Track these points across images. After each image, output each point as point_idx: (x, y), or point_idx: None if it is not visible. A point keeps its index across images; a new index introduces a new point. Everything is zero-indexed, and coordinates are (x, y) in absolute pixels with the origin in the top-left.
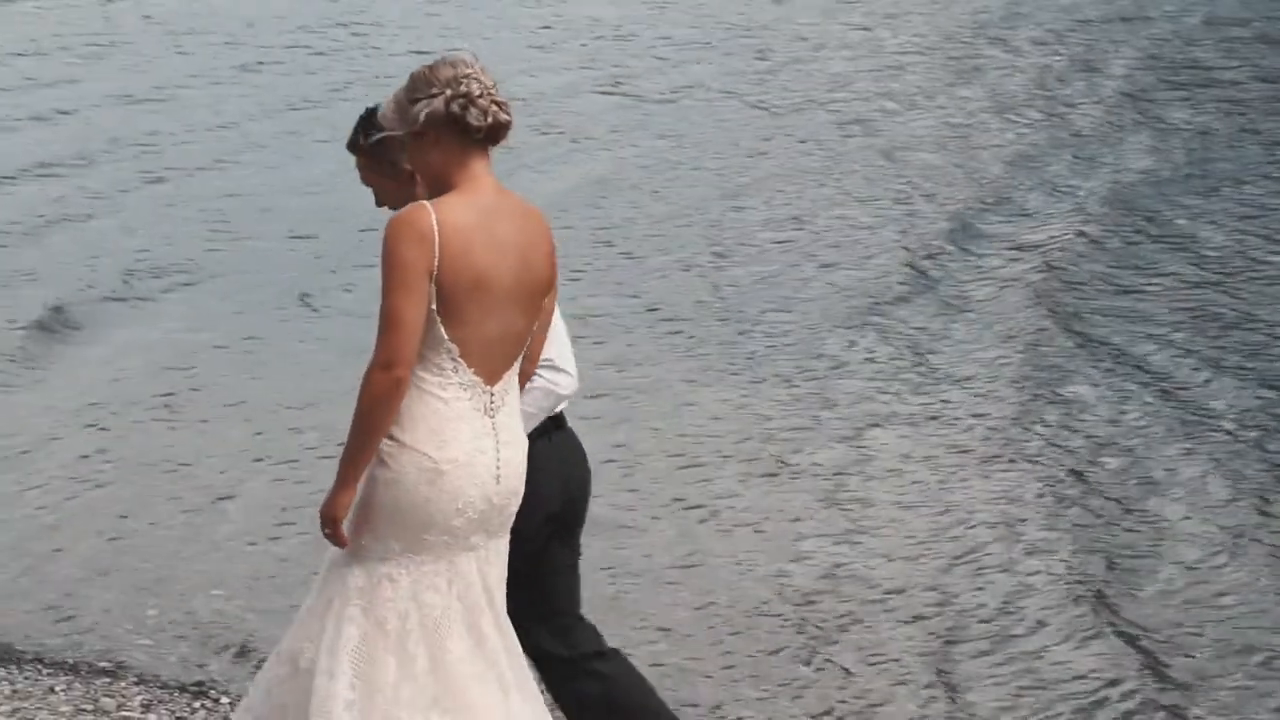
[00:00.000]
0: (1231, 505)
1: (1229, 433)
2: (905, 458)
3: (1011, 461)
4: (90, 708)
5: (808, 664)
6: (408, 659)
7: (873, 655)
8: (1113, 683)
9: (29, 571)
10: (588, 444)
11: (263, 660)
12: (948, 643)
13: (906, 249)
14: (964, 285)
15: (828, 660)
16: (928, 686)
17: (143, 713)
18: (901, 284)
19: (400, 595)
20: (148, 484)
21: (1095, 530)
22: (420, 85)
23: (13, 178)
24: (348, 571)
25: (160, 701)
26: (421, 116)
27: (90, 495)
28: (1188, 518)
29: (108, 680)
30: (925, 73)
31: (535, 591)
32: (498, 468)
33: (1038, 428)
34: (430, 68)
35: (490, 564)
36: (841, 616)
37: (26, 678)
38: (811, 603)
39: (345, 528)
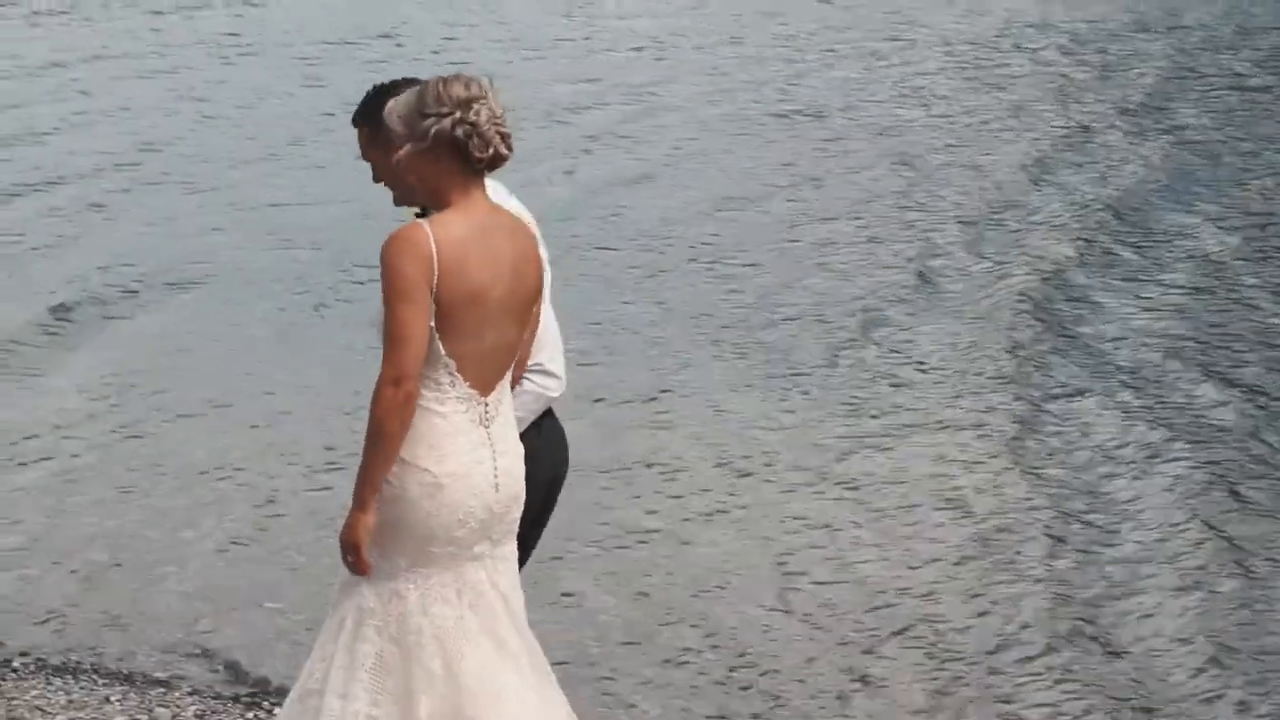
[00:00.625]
0: (1232, 516)
1: (1236, 446)
2: (903, 467)
3: (1009, 470)
4: (145, 718)
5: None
6: (425, 672)
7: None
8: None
9: (83, 581)
10: (623, 449)
11: None
12: (943, 662)
13: (917, 255)
14: (972, 292)
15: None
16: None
17: None
18: (910, 290)
19: (410, 610)
20: (199, 492)
21: (1094, 547)
22: (432, 101)
23: (57, 180)
24: (357, 591)
25: (214, 712)
26: (430, 134)
27: (142, 504)
28: (1186, 528)
29: (162, 690)
30: (948, 80)
31: None
32: (496, 476)
33: (1041, 439)
34: (445, 83)
35: (499, 572)
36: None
37: (82, 687)
38: (824, 606)
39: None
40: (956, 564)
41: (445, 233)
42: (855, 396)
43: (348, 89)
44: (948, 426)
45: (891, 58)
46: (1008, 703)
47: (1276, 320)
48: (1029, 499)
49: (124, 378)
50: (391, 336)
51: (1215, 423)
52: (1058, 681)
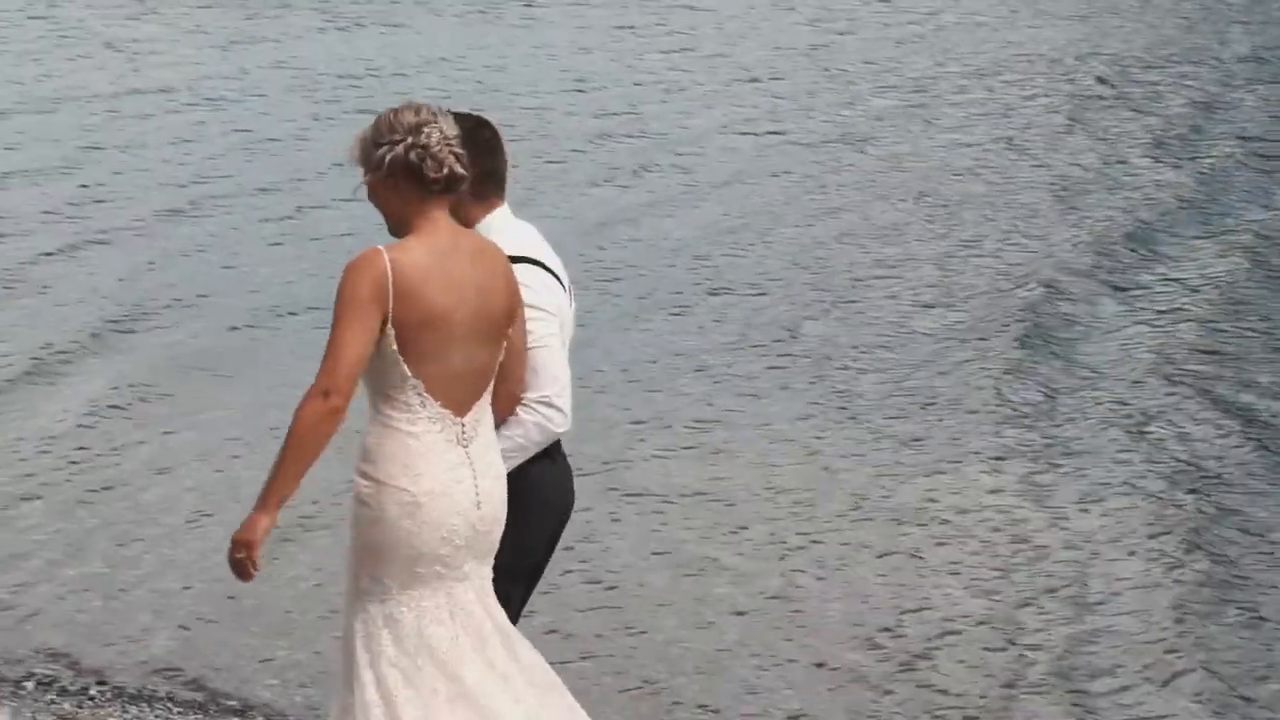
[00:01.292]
0: None
1: None
2: (991, 494)
3: (1100, 501)
4: None
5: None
6: (430, 694)
7: (939, 690)
8: None
9: (158, 609)
10: (685, 480)
11: None
12: (1008, 684)
13: (1003, 290)
14: (1061, 327)
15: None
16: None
17: None
18: (997, 325)
19: (406, 634)
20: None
21: (1177, 575)
22: (384, 130)
23: (141, 220)
24: (356, 620)
25: None
26: (385, 162)
27: (218, 531)
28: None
29: (235, 718)
30: (1040, 117)
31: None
32: (477, 494)
33: (1131, 468)
34: (395, 113)
35: (486, 591)
36: (921, 649)
37: (158, 715)
38: (889, 631)
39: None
40: (994, 597)
41: (404, 257)
42: (897, 426)
43: None
44: (990, 457)
45: (979, 91)
46: None
47: None
48: (1116, 530)
49: (216, 412)
50: (329, 351)
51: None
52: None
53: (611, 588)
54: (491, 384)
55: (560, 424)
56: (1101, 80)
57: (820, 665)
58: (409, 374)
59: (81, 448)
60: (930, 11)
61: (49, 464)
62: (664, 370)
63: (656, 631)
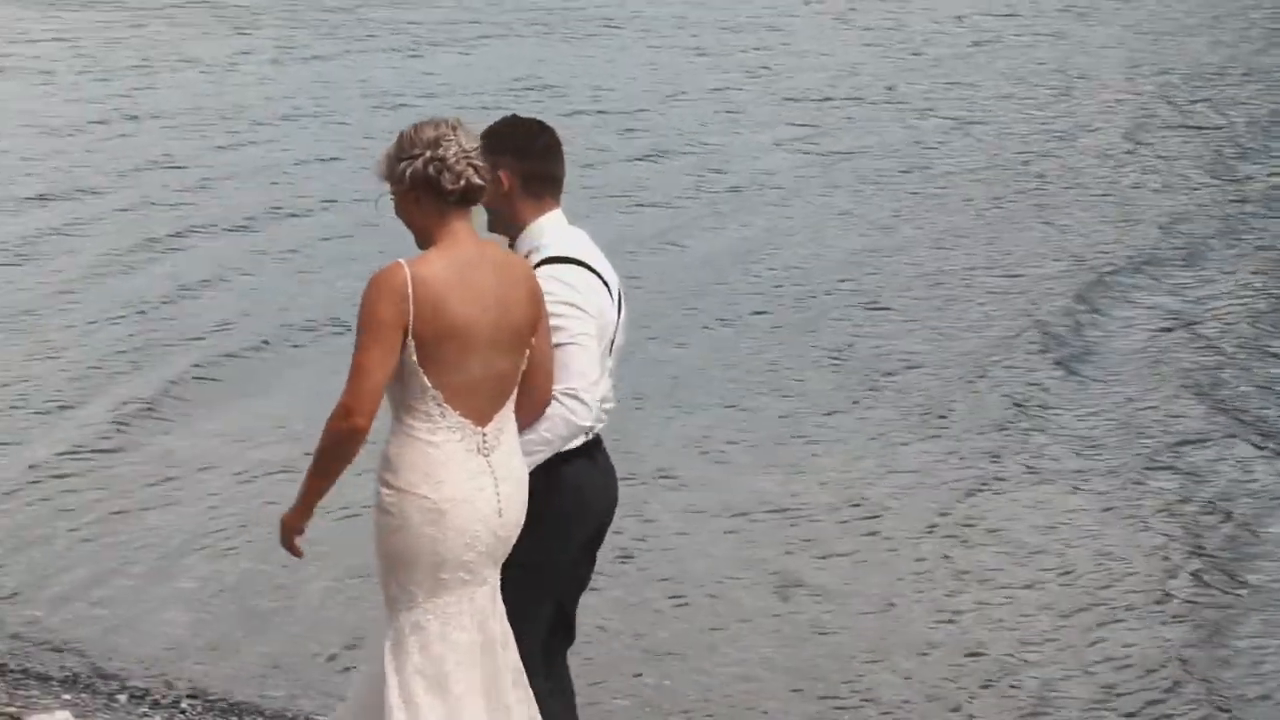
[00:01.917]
0: None
1: None
2: (1070, 512)
3: (1128, 520)
4: None
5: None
6: (454, 700)
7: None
8: None
9: (248, 623)
10: (755, 493)
11: None
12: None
13: (1044, 306)
14: (1100, 345)
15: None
16: None
17: None
18: (1035, 343)
19: (431, 640)
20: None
21: (1204, 602)
22: (406, 145)
23: (210, 228)
24: (385, 628)
25: None
26: (406, 176)
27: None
28: None
29: None
30: (1104, 133)
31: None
32: (499, 502)
33: (1160, 493)
34: (416, 128)
35: (497, 595)
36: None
37: None
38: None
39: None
40: (1065, 616)
41: (425, 270)
42: (977, 440)
43: None
44: (1070, 476)
45: (1050, 108)
46: None
47: None
48: (1146, 555)
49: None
50: (353, 372)
51: None
52: None
53: (684, 603)
54: (514, 393)
55: (584, 417)
56: (1166, 98)
57: (908, 679)
58: (428, 384)
59: (171, 465)
60: (991, 32)
61: (128, 474)
62: (738, 384)
63: (743, 647)
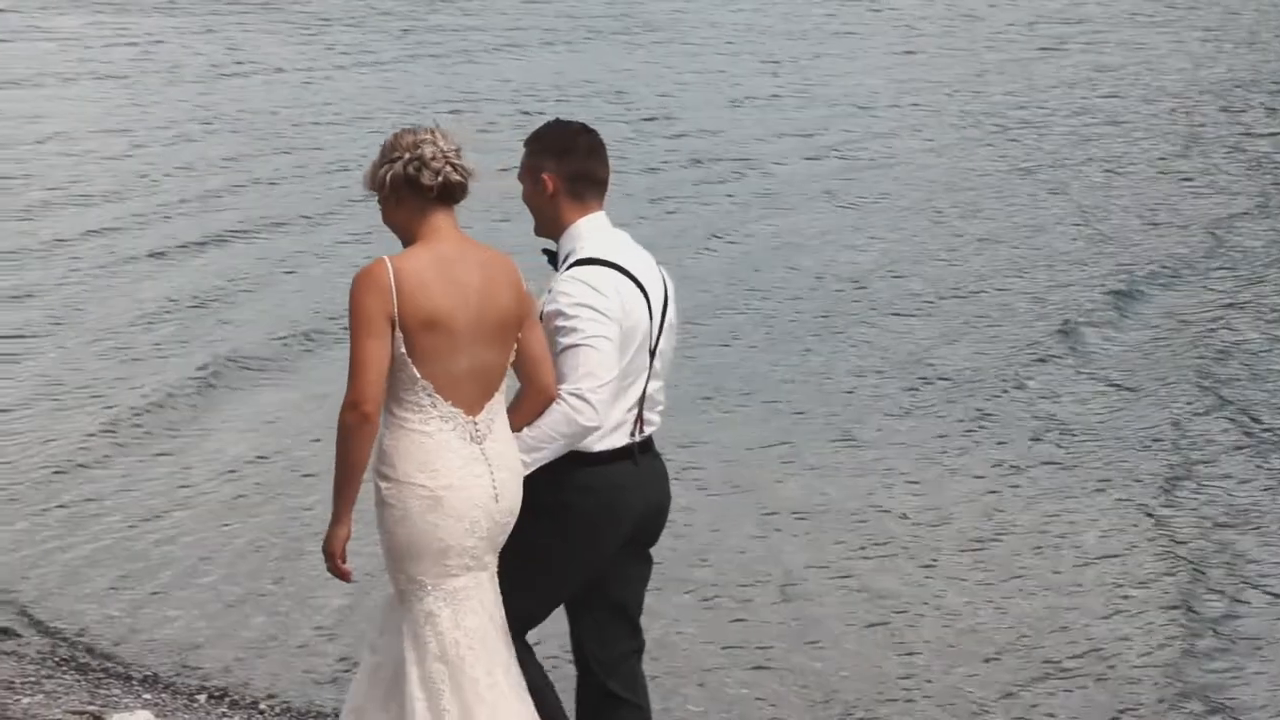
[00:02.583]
0: None
1: None
2: (1152, 520)
3: (1136, 526)
4: None
5: None
6: (470, 682)
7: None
8: None
9: (323, 627)
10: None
11: None
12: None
13: (1066, 314)
14: (1120, 351)
15: None
16: None
17: None
18: (1055, 348)
19: (444, 627)
20: None
21: (1208, 613)
22: (387, 152)
23: (249, 232)
24: (399, 620)
25: None
26: (388, 180)
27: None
28: None
29: None
30: (1141, 141)
31: (607, 601)
32: (494, 488)
33: (1174, 498)
34: (396, 136)
35: (494, 581)
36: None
37: None
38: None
39: (350, 564)
40: (1151, 623)
41: (407, 263)
42: (1038, 449)
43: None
44: (1100, 485)
45: (1086, 115)
46: None
47: None
48: (1153, 561)
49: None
50: (352, 368)
51: None
52: None
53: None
54: (504, 384)
55: (590, 418)
56: (1225, 109)
57: (978, 687)
58: (417, 375)
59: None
60: (1056, 39)
61: (201, 473)
62: (807, 391)
63: (833, 651)
